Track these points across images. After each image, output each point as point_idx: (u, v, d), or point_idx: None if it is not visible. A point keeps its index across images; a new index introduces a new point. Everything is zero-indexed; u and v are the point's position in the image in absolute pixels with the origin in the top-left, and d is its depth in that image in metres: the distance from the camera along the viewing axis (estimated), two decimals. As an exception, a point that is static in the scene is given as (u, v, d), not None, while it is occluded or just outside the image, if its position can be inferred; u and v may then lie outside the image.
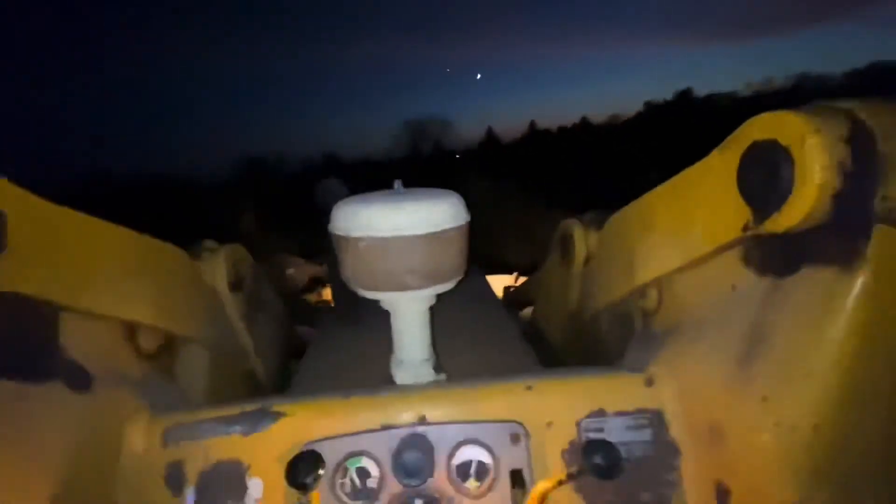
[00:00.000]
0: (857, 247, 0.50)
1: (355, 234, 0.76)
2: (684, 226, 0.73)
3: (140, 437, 0.71)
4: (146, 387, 0.78)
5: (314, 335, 1.55)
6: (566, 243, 1.27)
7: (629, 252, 0.91)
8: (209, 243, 1.16)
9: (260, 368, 1.25)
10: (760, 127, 0.56)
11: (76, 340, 0.68)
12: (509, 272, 2.71)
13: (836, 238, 0.52)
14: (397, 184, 0.84)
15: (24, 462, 0.56)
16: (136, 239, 0.81)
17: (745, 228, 0.59)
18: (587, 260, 1.20)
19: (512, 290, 2.33)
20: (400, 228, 0.75)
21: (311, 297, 2.40)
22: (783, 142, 0.52)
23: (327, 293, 2.33)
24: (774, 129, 0.53)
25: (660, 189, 0.80)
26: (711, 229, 0.67)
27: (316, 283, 2.45)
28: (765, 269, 0.62)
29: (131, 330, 0.81)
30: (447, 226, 0.77)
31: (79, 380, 0.67)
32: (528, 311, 2.06)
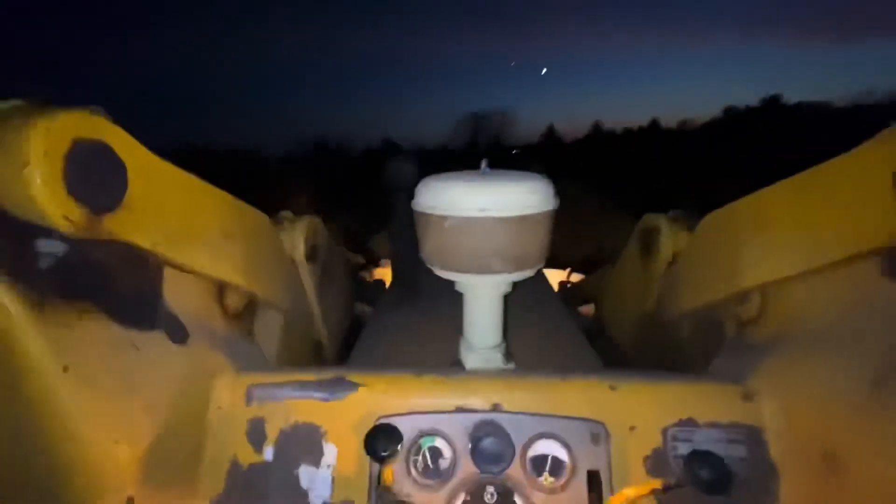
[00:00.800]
0: None
1: (441, 211, 0.75)
2: (813, 227, 0.66)
3: (226, 393, 0.74)
4: (231, 345, 0.82)
5: (371, 313, 1.58)
6: (649, 239, 1.19)
7: (731, 253, 0.83)
8: (287, 214, 1.20)
9: (325, 336, 1.29)
10: None
11: (176, 295, 0.72)
12: (562, 268, 2.62)
13: None
14: (484, 164, 0.82)
15: (129, 406, 0.59)
16: (230, 202, 0.84)
17: (893, 234, 0.52)
18: (673, 259, 1.12)
19: (568, 286, 2.24)
20: (487, 209, 0.72)
21: (366, 276, 2.46)
22: None
23: (380, 272, 2.37)
24: None
25: (782, 184, 0.72)
26: (850, 233, 0.59)
27: (370, 263, 2.50)
28: None
29: (220, 290, 0.85)
30: (535, 210, 0.74)
31: (178, 332, 0.70)
32: (585, 308, 2.00)
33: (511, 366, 0.88)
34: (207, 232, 0.77)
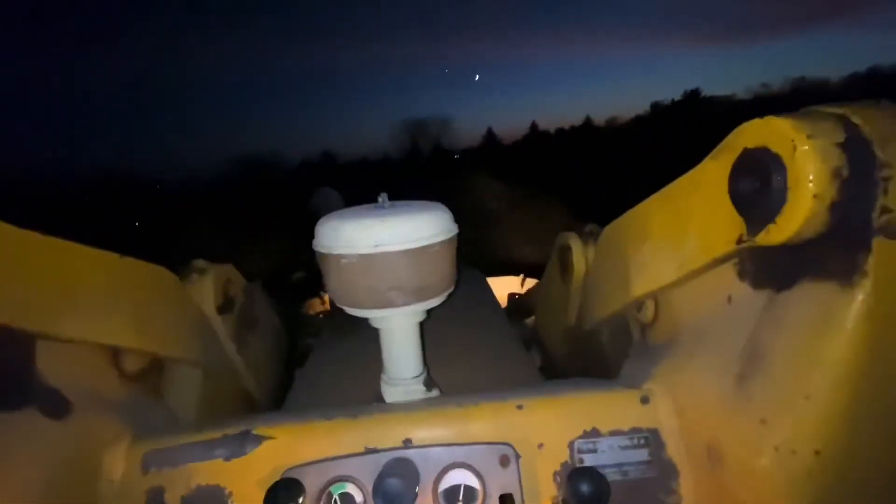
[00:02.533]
0: (857, 261, 0.47)
1: (336, 250, 0.74)
2: (678, 238, 0.70)
3: (119, 464, 0.69)
4: (130, 409, 0.77)
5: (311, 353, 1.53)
6: (564, 257, 1.24)
7: (624, 264, 0.88)
8: (200, 263, 1.14)
9: (253, 386, 1.24)
10: (751, 134, 0.53)
11: (54, 365, 0.67)
12: (516, 273, 2.65)
13: (834, 251, 0.49)
14: (382, 197, 0.82)
15: None
16: (116, 261, 0.79)
17: (740, 241, 0.56)
18: (586, 273, 1.18)
19: (517, 297, 2.28)
20: (382, 244, 0.72)
21: (316, 306, 2.37)
22: (774, 149, 0.49)
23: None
24: (765, 135, 0.50)
25: (653, 199, 0.77)
26: (706, 241, 0.64)
27: (318, 292, 2.41)
28: (761, 283, 0.59)
29: (115, 352, 0.79)
30: (432, 240, 0.75)
31: (56, 406, 0.65)
32: (532, 320, 2.04)
33: (434, 393, 0.88)
34: (88, 297, 0.72)
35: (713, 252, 0.62)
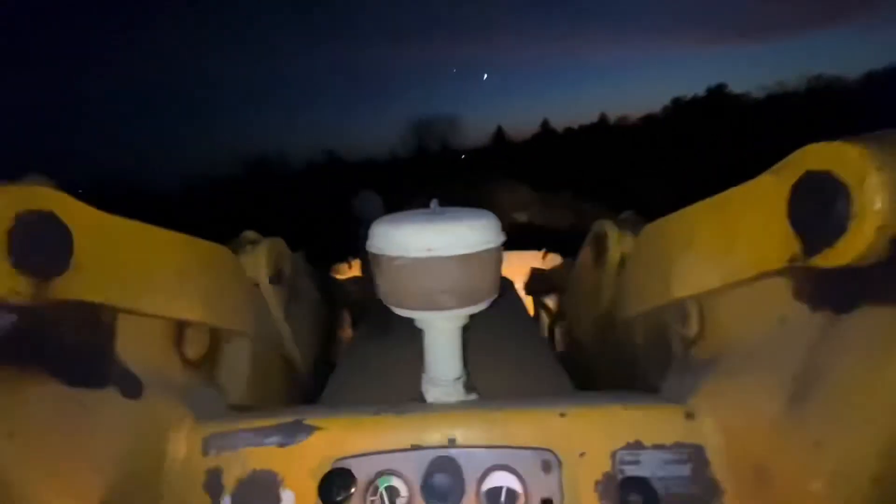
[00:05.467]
0: None
1: (390, 252, 0.77)
2: (727, 247, 0.71)
3: (183, 445, 0.74)
4: (190, 394, 0.81)
5: (346, 346, 1.58)
6: (600, 244, 1.26)
7: (666, 264, 0.89)
8: (250, 234, 1.22)
9: (297, 356, 1.31)
10: (817, 156, 0.53)
11: (130, 349, 0.72)
12: (537, 248, 2.69)
13: None
14: (434, 203, 0.85)
15: (78, 466, 0.59)
16: (183, 241, 0.85)
17: (793, 260, 0.56)
18: (621, 262, 1.20)
19: (539, 272, 2.30)
20: (434, 249, 0.74)
21: (344, 271, 2.45)
22: (841, 175, 0.49)
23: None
24: (832, 160, 0.50)
25: (702, 205, 0.77)
26: (756, 255, 0.64)
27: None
28: (819, 304, 0.59)
29: (179, 338, 0.85)
30: (481, 247, 0.77)
31: (131, 387, 0.70)
32: (549, 299, 2.08)
33: (473, 397, 0.90)
34: (161, 275, 0.78)
35: (763, 266, 0.63)
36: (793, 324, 0.63)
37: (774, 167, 0.60)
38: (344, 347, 1.59)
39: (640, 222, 1.26)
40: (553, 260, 2.55)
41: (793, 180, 0.56)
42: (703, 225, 0.78)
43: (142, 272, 0.72)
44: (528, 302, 2.31)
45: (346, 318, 1.97)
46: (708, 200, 0.76)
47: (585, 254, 1.42)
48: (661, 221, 0.96)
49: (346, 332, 1.93)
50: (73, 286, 0.59)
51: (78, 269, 0.59)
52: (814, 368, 0.57)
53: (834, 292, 0.57)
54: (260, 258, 1.13)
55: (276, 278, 1.18)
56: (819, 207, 0.52)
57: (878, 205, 0.46)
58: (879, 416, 0.49)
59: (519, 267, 2.56)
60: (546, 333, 1.96)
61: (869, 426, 0.50)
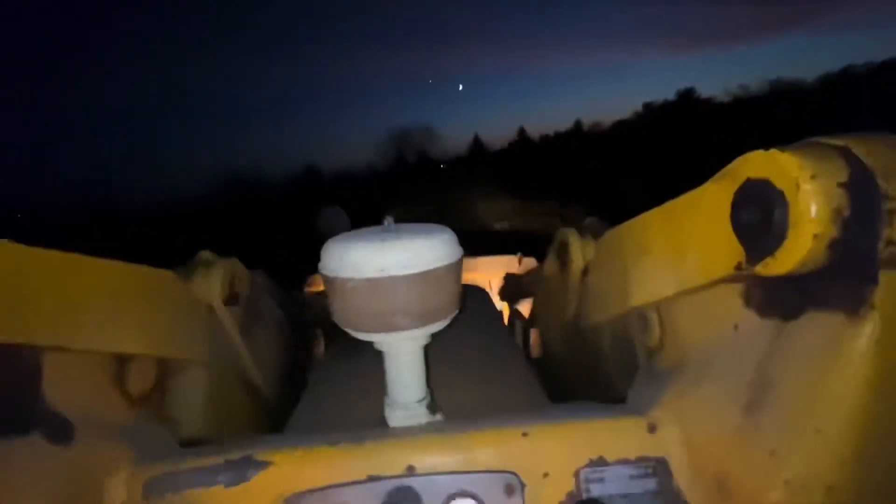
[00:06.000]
0: (863, 293, 0.47)
1: (342, 274, 0.74)
2: (678, 254, 0.70)
3: (121, 491, 0.68)
4: (133, 434, 0.76)
5: (313, 369, 1.53)
6: (563, 253, 1.26)
7: (624, 273, 0.89)
8: (205, 255, 1.15)
9: (259, 379, 1.25)
10: (755, 164, 0.53)
11: (59, 389, 0.67)
12: (513, 252, 2.69)
13: (841, 283, 0.49)
14: (388, 220, 0.82)
15: None
16: (118, 270, 0.80)
17: (739, 267, 0.56)
18: (585, 269, 1.20)
19: (514, 277, 2.30)
20: (387, 268, 0.72)
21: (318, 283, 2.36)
22: (777, 183, 0.49)
23: None
24: (769, 168, 0.51)
25: (655, 212, 0.77)
26: (705, 263, 0.64)
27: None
28: (767, 311, 0.59)
29: (120, 373, 0.80)
30: (437, 264, 0.75)
31: (61, 431, 0.65)
32: (524, 303, 2.08)
33: (438, 417, 0.87)
34: (94, 307, 0.73)
35: (712, 274, 0.63)
36: (745, 331, 0.63)
37: (718, 174, 0.60)
38: (313, 369, 1.54)
39: (604, 228, 1.26)
40: (529, 264, 2.57)
41: (734, 188, 0.56)
42: (656, 232, 0.78)
43: (69, 306, 0.67)
44: (505, 308, 2.31)
45: (319, 335, 1.91)
46: (660, 208, 0.76)
47: (550, 261, 1.42)
48: (618, 229, 0.96)
49: (320, 349, 1.88)
50: None
51: None
52: (766, 376, 0.57)
53: (780, 299, 0.58)
54: (213, 280, 1.08)
55: (232, 300, 1.13)
56: (759, 216, 0.52)
57: (813, 212, 0.46)
58: (828, 424, 0.49)
59: (494, 272, 2.56)
60: (520, 340, 1.95)
61: (819, 434, 0.50)
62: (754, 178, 0.53)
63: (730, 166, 0.57)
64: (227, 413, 1.09)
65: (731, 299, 0.65)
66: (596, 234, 1.20)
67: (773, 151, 0.50)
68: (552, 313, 1.45)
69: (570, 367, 1.37)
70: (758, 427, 0.56)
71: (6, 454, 0.57)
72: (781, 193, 0.49)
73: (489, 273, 2.62)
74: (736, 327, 0.64)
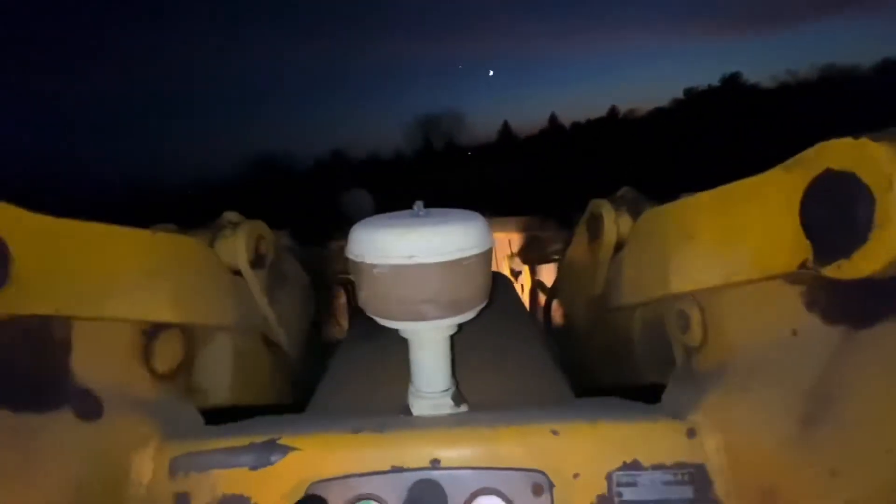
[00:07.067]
0: None
1: (369, 260, 0.72)
2: (730, 244, 0.64)
3: (148, 467, 0.69)
4: (159, 411, 0.77)
5: (336, 351, 1.54)
6: (595, 226, 1.20)
7: (665, 255, 0.83)
8: (230, 215, 1.16)
9: (285, 341, 1.27)
10: (838, 153, 0.47)
11: (89, 364, 0.67)
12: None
13: None
14: (417, 205, 0.79)
15: (28, 497, 0.55)
16: (148, 239, 0.80)
17: (804, 266, 0.51)
18: (618, 245, 1.13)
19: (535, 241, 2.25)
20: (416, 255, 0.69)
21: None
22: (864, 177, 0.43)
23: None
24: (855, 159, 0.44)
25: (705, 195, 0.71)
26: (762, 256, 0.58)
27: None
28: (835, 317, 0.54)
29: (147, 351, 0.80)
30: (469, 252, 0.71)
31: (90, 407, 0.66)
32: (549, 270, 2.05)
33: (463, 408, 0.85)
34: (123, 276, 0.73)
35: (768, 269, 0.57)
36: (806, 337, 0.57)
37: (787, 162, 0.54)
38: (338, 350, 1.55)
39: (639, 199, 1.19)
40: (551, 226, 2.47)
41: (809, 178, 0.50)
42: (706, 217, 0.72)
43: (99, 275, 0.68)
44: (526, 272, 2.23)
45: (342, 294, 1.92)
46: (712, 191, 0.69)
47: (580, 233, 1.34)
48: (661, 209, 0.89)
49: (341, 308, 1.88)
50: (15, 301, 0.54)
51: (18, 282, 0.54)
52: (829, 388, 0.52)
53: (851, 305, 0.52)
54: (239, 242, 1.07)
55: (257, 262, 1.13)
56: (836, 212, 0.46)
57: None
58: None
59: (515, 232, 2.50)
60: (541, 311, 1.90)
61: (891, 455, 0.45)
62: (836, 170, 0.47)
63: (806, 153, 0.51)
64: (252, 378, 1.10)
65: (789, 300, 0.59)
66: (630, 206, 1.14)
67: (865, 140, 0.44)
68: (578, 287, 1.39)
69: (594, 345, 1.32)
70: (817, 442, 0.52)
71: (37, 429, 0.58)
72: (868, 189, 0.43)
73: (508, 233, 2.53)
74: (794, 332, 0.59)
